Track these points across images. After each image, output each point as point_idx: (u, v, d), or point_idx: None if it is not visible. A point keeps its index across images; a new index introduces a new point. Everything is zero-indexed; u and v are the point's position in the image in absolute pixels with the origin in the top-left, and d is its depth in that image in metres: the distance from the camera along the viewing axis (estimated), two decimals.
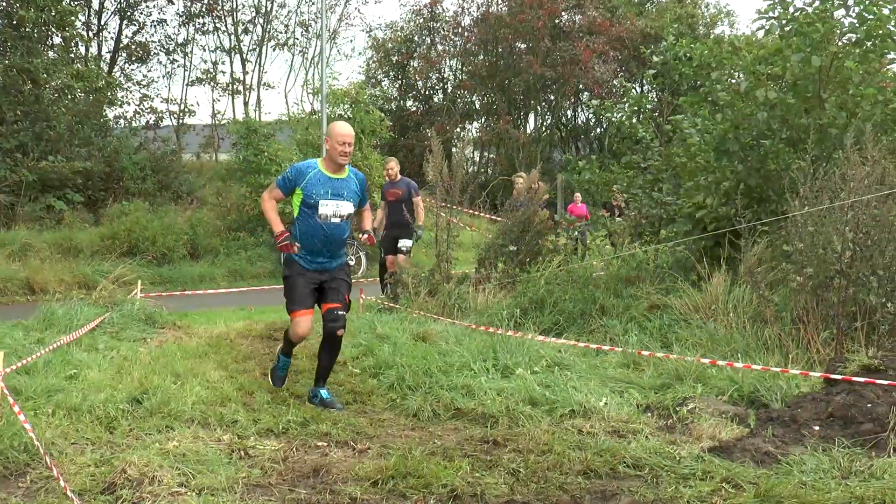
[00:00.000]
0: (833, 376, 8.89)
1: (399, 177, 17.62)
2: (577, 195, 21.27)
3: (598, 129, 44.76)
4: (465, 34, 45.72)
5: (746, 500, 6.01)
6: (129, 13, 36.88)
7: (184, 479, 6.26)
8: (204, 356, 11.26)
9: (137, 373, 9.77)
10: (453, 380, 9.61)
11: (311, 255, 9.42)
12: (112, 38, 36.87)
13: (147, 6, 37.41)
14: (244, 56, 41.07)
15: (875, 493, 6.09)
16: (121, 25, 36.94)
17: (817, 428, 8.07)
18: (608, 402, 8.95)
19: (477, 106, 47.40)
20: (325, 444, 7.53)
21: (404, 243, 17.41)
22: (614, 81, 41.09)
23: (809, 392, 9.05)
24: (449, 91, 47.52)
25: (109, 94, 32.14)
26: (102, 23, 36.34)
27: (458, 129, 46.47)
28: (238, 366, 11.03)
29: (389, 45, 46.48)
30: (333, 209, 9.45)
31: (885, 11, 14.28)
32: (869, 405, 8.19)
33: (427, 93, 47.70)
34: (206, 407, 8.50)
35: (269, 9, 40.97)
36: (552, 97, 46.55)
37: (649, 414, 8.80)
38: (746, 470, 6.74)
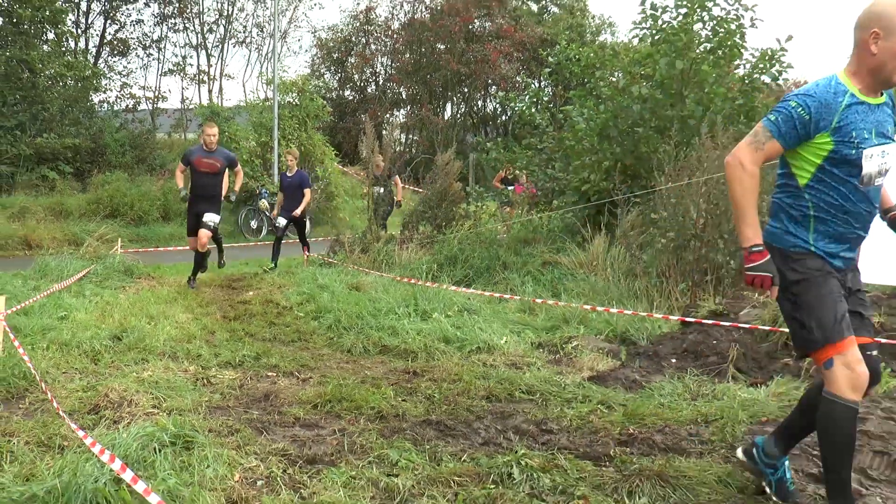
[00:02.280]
0: (687, 319, 9.05)
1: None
2: (522, 177, 21.28)
3: (504, 117, 44.74)
4: (395, 36, 45.50)
5: (617, 419, 6.10)
6: (111, 14, 36.51)
7: (156, 402, 6.26)
8: (173, 301, 11.21)
9: (118, 315, 9.72)
10: (381, 322, 9.65)
11: (839, 244, 4.37)
12: (97, 34, 36.44)
13: (127, 8, 37.05)
14: (209, 51, 40.70)
15: (716, 410, 6.25)
16: (105, 24, 36.56)
17: (674, 360, 8.23)
18: (508, 340, 9.04)
19: (403, 96, 47.18)
20: (274, 374, 7.55)
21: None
22: (517, 77, 41.14)
23: (669, 332, 9.20)
24: (380, 83, 47.28)
25: (95, 81, 31.80)
26: (89, 21, 35.92)
27: (388, 115, 46.33)
28: (202, 310, 11.00)
29: (331, 44, 46.13)
30: (879, 162, 4.35)
31: (733, 27, 14.55)
32: (714, 342, 8.36)
33: (362, 84, 47.41)
34: (175, 343, 8.48)
35: (230, 12, 40.63)
36: (466, 90, 46.43)
37: (541, 350, 8.89)
38: (618, 394, 6.87)
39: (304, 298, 11.49)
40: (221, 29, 40.74)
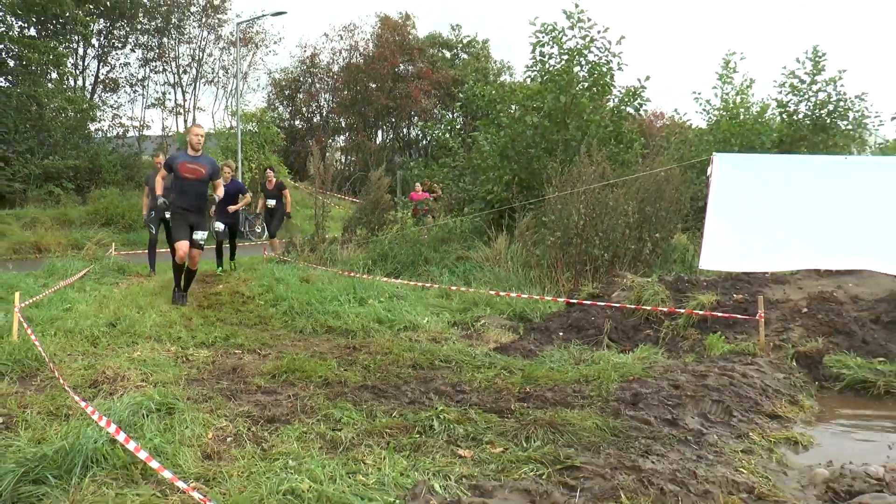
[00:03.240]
0: (571, 301, 9.18)
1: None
2: (418, 185, 21.26)
3: (424, 141, 44.79)
4: (335, 77, 45.44)
5: (516, 380, 6.16)
6: (104, 57, 36.12)
7: (144, 376, 6.17)
8: (158, 294, 11.01)
9: (112, 306, 9.55)
10: (326, 307, 9.61)
11: None
12: (92, 74, 36.01)
13: (116, 53, 36.71)
14: (184, 89, 40.33)
15: (594, 371, 6.34)
16: (98, 66, 36.14)
17: (561, 333, 8.34)
18: (429, 320, 9.08)
19: (343, 125, 47.08)
20: (240, 351, 7.48)
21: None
22: (434, 110, 41.22)
23: (557, 311, 9.33)
24: (324, 114, 47.11)
25: (91, 113, 31.59)
26: (86, 63, 35.52)
27: (331, 140, 46.22)
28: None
29: (283, 83, 45.84)
30: None
31: (604, 69, 14.85)
32: (592, 318, 8.49)
33: (309, 115, 47.16)
34: (160, 328, 8.35)
35: (200, 57, 40.24)
36: (393, 119, 46.45)
37: (456, 327, 8.94)
38: (517, 361, 6.94)
39: (265, 290, 11.38)
40: (194, 71, 40.45)
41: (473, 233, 15.28)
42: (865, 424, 5.86)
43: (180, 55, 39.97)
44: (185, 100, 40.74)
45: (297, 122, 47.07)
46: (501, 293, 10.15)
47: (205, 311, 9.88)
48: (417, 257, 13.88)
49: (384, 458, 4.29)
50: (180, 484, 3.60)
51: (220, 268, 14.47)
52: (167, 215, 12.63)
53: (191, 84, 40.75)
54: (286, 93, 46.50)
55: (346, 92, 45.16)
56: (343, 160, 46.17)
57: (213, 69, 41.26)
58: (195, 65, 40.39)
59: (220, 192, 11.13)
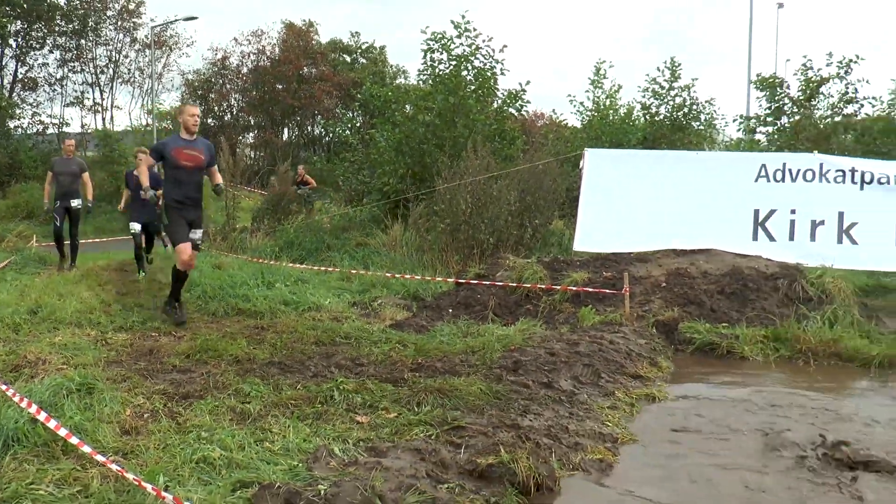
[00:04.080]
0: (460, 281, 9.29)
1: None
2: (300, 168, 20.83)
3: (327, 138, 44.32)
4: (244, 78, 44.55)
5: (410, 353, 6.20)
6: (22, 58, 34.54)
7: (65, 360, 5.96)
8: (78, 282, 10.59)
9: (34, 294, 9.14)
10: (237, 291, 9.43)
11: None
12: (11, 74, 34.39)
13: (35, 54, 35.10)
14: (101, 88, 38.98)
15: (480, 343, 6.46)
16: (16, 66, 34.55)
17: (451, 310, 8.42)
18: (331, 301, 9.03)
19: (252, 123, 46.24)
20: (157, 334, 7.29)
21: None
22: (336, 109, 40.86)
23: (447, 290, 9.41)
24: (234, 113, 46.17)
25: (10, 111, 30.13)
26: (3, 63, 33.87)
27: (241, 137, 45.35)
28: (101, 288, 10.47)
29: (196, 83, 44.70)
30: None
31: (489, 74, 15.04)
32: (479, 296, 8.61)
33: (220, 114, 46.12)
34: (80, 314, 8.06)
35: (117, 59, 38.92)
36: (298, 118, 45.83)
37: (355, 307, 8.92)
38: (411, 336, 6.97)
39: None
40: (111, 71, 39.09)
41: (372, 221, 15.26)
42: (711, 378, 6.17)
43: (97, 56, 38.54)
44: (102, 98, 39.37)
45: (209, 121, 45.99)
46: (397, 275, 10.19)
47: (124, 298, 9.57)
48: (320, 244, 13.78)
49: (289, 426, 4.28)
50: (99, 457, 3.53)
51: (142, 272, 11.62)
52: (76, 208, 11.64)
53: (108, 84, 39.40)
54: (199, 93, 45.33)
55: (254, 92, 44.32)
56: (252, 156, 45.28)
57: (129, 70, 39.93)
58: (112, 65, 39.04)
59: (219, 180, 8.45)
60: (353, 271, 10.88)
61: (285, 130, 47.80)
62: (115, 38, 38.84)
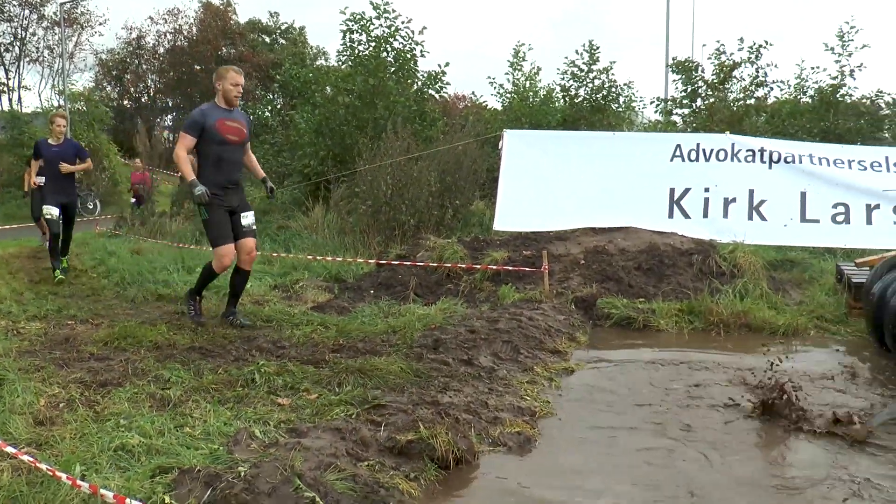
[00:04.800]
0: (381, 262, 9.31)
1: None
2: (137, 161, 20.33)
3: None
4: (161, 59, 43.53)
5: (331, 335, 6.21)
6: None
7: None
8: None
9: None
10: (157, 277, 9.31)
11: None
12: None
13: None
14: (6, 67, 37.50)
15: (401, 323, 6.51)
16: None
17: (372, 291, 8.45)
18: (252, 285, 8.91)
19: (170, 104, 45.24)
20: (73, 322, 7.11)
21: None
22: (256, 91, 40.21)
23: (369, 272, 9.42)
24: (151, 95, 45.12)
25: None
26: None
27: (159, 120, 44.37)
28: (11, 276, 10.18)
29: (110, 63, 43.45)
30: None
31: (408, 56, 15.07)
32: (400, 276, 8.65)
33: (137, 95, 45.03)
34: None
35: (23, 36, 37.51)
36: None
37: (277, 290, 8.87)
38: (332, 318, 6.98)
39: (97, 263, 10.86)
40: (17, 49, 37.59)
41: (293, 204, 15.16)
42: (628, 351, 6.36)
43: (1, 33, 37.05)
44: (8, 78, 37.91)
45: (125, 102, 44.83)
46: (318, 258, 10.15)
47: (37, 286, 9.31)
48: None
49: (210, 411, 4.26)
50: (10, 449, 3.46)
51: (59, 271, 9.73)
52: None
53: (14, 63, 37.90)
54: (114, 73, 44.13)
55: (172, 73, 43.38)
56: (171, 138, 44.35)
57: (37, 48, 38.56)
58: (18, 43, 37.55)
59: (254, 160, 7.21)
60: (275, 254, 10.80)
61: None
62: (21, 14, 37.45)
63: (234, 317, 6.87)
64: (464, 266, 8.63)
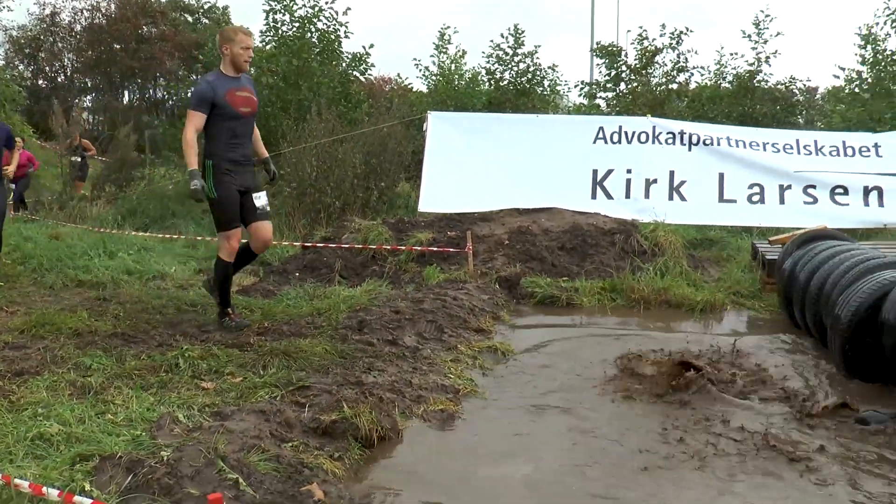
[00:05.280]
0: (306, 244, 9.27)
1: None
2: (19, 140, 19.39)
3: (170, 102, 42.68)
4: (78, 37, 42.07)
5: (256, 318, 6.17)
6: None
7: None
8: None
9: None
10: (76, 262, 9.04)
11: None
12: None
13: None
14: None
15: (326, 305, 6.52)
16: None
17: (297, 274, 8.43)
18: (176, 269, 8.83)
19: (89, 85, 43.87)
20: None
21: None
22: (179, 72, 39.32)
23: (294, 254, 9.37)
24: (68, 74, 43.64)
25: None
26: None
27: (77, 101, 42.97)
28: None
29: (22, 41, 41.85)
30: None
31: (332, 37, 15.01)
32: (325, 259, 8.65)
33: (53, 75, 43.47)
34: None
35: None
36: (139, 81, 43.83)
37: (202, 274, 8.70)
38: (257, 301, 6.95)
39: (11, 249, 10.53)
40: None
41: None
42: (550, 328, 6.50)
43: None
44: None
45: (40, 82, 43.24)
46: (244, 241, 10.03)
47: None
48: (165, 211, 13.38)
49: (132, 397, 4.20)
50: None
51: None
52: None
53: None
54: (26, 51, 42.51)
55: (90, 52, 41.99)
56: (91, 120, 43.02)
57: None
58: None
59: (257, 135, 6.44)
60: (199, 238, 10.65)
61: (126, 93, 45.67)
62: None
63: (232, 317, 6.10)
64: (389, 247, 8.67)
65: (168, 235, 10.93)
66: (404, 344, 5.40)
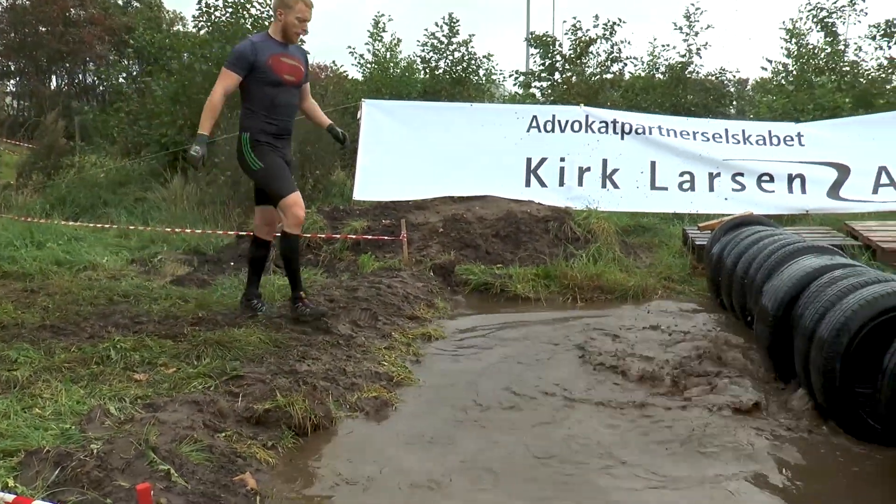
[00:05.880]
0: (241, 233, 9.18)
1: None
2: None
3: (101, 87, 41.62)
4: None
5: (191, 308, 6.07)
6: None
7: None
8: None
9: None
10: (1, 253, 8.83)
11: None
12: None
13: None
14: None
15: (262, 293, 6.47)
16: None
17: (232, 264, 8.34)
18: (108, 259, 8.64)
19: (12, 69, 42.44)
20: None
21: None
22: (109, 56, 38.33)
23: (228, 243, 9.28)
24: None
25: None
26: None
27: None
28: None
29: None
30: None
31: (266, 24, 14.78)
32: None
33: None
34: None
35: None
36: (68, 65, 42.59)
37: (134, 264, 8.59)
38: (192, 291, 6.86)
39: None
40: None
41: (150, 175, 14.60)
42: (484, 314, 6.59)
43: None
44: None
45: None
46: (178, 230, 9.92)
47: None
48: (96, 200, 13.07)
49: (61, 390, 4.13)
50: None
51: None
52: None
53: None
54: None
55: (13, 34, 40.65)
56: (15, 105, 41.67)
57: None
58: None
59: (315, 106, 6.19)
60: (132, 227, 10.46)
61: (53, 78, 44.37)
62: None
63: (302, 305, 5.60)
64: (323, 236, 8.66)
65: (99, 225, 10.70)
66: (339, 332, 5.42)
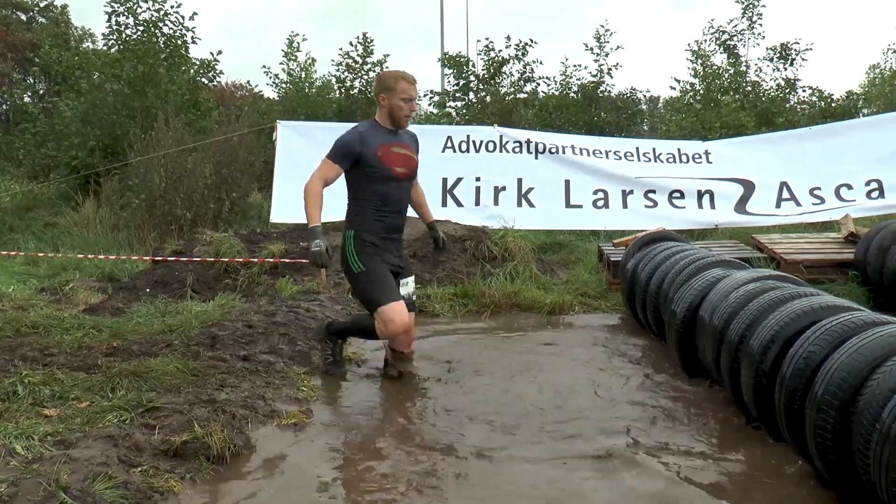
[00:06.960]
0: (157, 259, 9.02)
1: None
2: None
3: (4, 107, 40.26)
4: None
5: (104, 338, 5.89)
6: None
7: None
8: None
9: None
10: None
11: None
12: None
13: None
14: None
15: (178, 322, 6.33)
16: None
17: (148, 290, 8.19)
18: (14, 288, 8.35)
19: None
20: None
21: None
22: (12, 74, 37.09)
23: (144, 269, 9.10)
24: None
25: None
26: None
27: None
28: None
29: None
30: None
31: (179, 43, 14.69)
32: (177, 273, 8.45)
33: None
34: None
35: None
36: None
37: (44, 293, 8.28)
38: (106, 320, 6.67)
39: None
40: None
41: (61, 199, 14.23)
42: None
43: None
44: None
45: None
46: (90, 256, 9.67)
47: None
48: (1, 226, 12.65)
49: None
50: None
51: None
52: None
53: None
54: None
55: None
56: None
57: None
58: None
59: (423, 196, 5.80)
60: (41, 254, 10.14)
61: None
62: None
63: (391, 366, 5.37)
64: (241, 260, 8.57)
65: (4, 252, 10.32)
66: (258, 359, 5.37)
